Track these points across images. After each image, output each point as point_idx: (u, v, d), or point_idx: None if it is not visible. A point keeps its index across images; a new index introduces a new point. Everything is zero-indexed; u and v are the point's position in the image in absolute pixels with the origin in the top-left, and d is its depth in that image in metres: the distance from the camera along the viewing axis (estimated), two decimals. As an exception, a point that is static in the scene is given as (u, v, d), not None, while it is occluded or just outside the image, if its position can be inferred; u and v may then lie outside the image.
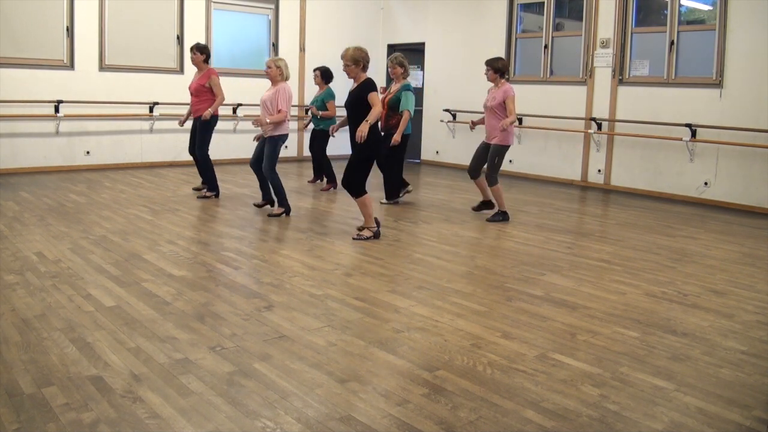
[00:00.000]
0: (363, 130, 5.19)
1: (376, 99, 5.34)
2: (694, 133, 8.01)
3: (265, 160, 6.32)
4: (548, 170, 9.83)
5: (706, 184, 8.08)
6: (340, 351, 3.19)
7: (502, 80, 6.49)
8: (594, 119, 9.06)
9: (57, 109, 8.90)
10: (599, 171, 9.23)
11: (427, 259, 5.03)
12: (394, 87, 7.21)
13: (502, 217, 6.52)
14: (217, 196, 7.37)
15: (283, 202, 6.45)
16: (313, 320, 3.61)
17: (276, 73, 6.33)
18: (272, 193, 6.55)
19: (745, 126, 7.57)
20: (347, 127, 5.65)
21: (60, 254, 4.83)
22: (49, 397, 2.62)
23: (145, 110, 9.68)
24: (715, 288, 4.47)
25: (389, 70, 7.26)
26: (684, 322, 3.76)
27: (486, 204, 6.83)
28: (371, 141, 5.33)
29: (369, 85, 5.38)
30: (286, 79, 6.42)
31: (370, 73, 7.18)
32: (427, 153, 11.79)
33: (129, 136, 9.71)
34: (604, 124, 9.07)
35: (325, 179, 8.35)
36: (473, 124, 7.15)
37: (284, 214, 6.43)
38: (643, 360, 3.18)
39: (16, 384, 2.72)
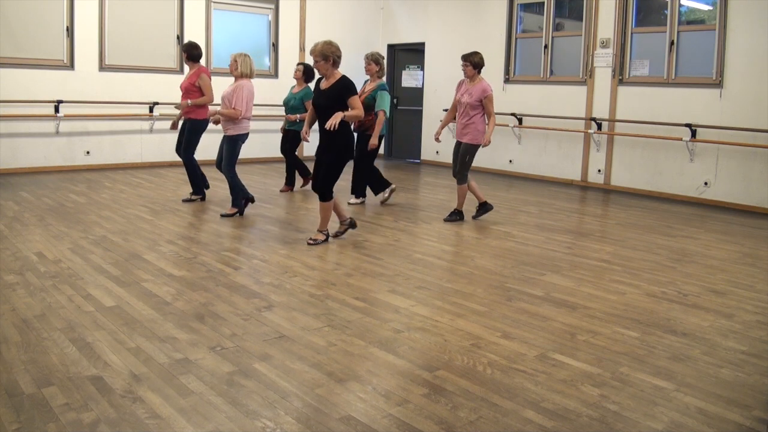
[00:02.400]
0: (337, 117, 4.84)
1: (358, 103, 4.99)
2: (694, 133, 8.01)
3: (225, 159, 6.26)
4: (548, 170, 9.83)
5: (706, 184, 8.08)
6: (340, 351, 3.19)
7: (479, 76, 6.17)
8: (594, 119, 9.06)
9: (57, 109, 8.90)
10: (599, 171, 9.23)
11: (427, 259, 5.03)
12: (369, 86, 6.91)
13: (458, 216, 6.41)
14: (203, 199, 7.15)
15: (237, 203, 6.36)
16: (313, 320, 3.61)
17: (233, 68, 6.12)
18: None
19: (745, 126, 7.57)
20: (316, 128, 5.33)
21: (60, 254, 4.83)
22: (49, 397, 2.62)
23: (145, 110, 9.68)
24: (715, 288, 4.47)
25: (365, 66, 6.94)
26: (684, 322, 3.76)
27: (483, 206, 6.54)
28: (345, 144, 5.08)
29: (348, 87, 5.00)
30: (245, 75, 6.16)
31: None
32: (427, 153, 11.79)
33: (129, 136, 9.71)
34: (604, 124, 9.07)
35: (300, 183, 8.19)
36: (438, 137, 6.67)
37: (238, 214, 6.37)
38: (643, 360, 3.18)
39: (16, 384, 2.72)
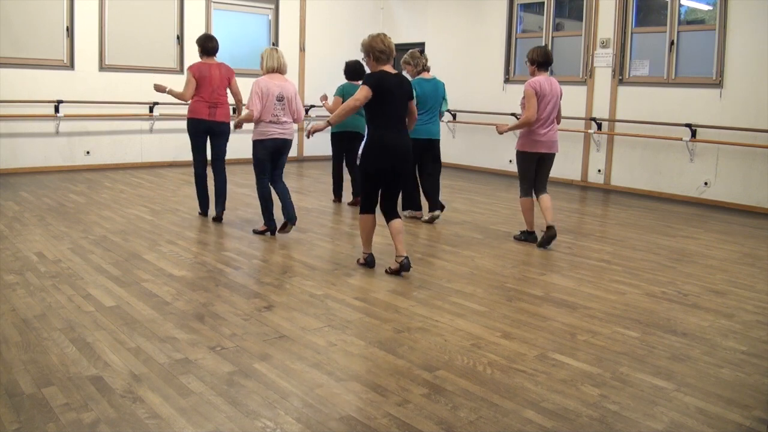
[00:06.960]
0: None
1: (336, 102, 4.58)
2: (694, 133, 8.01)
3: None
4: (548, 170, 9.81)
5: (706, 184, 8.08)
6: (340, 351, 3.19)
7: (539, 72, 5.42)
8: (594, 119, 9.06)
9: (57, 109, 8.89)
10: (599, 171, 9.23)
11: (427, 259, 5.02)
12: None
13: (524, 237, 5.70)
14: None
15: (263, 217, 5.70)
16: (313, 320, 3.61)
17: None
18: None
19: (745, 126, 7.57)
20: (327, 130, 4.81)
21: (60, 254, 4.82)
22: (49, 397, 2.62)
23: (145, 110, 9.68)
24: (715, 288, 4.47)
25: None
26: (684, 322, 3.76)
27: (549, 229, 5.45)
28: (359, 151, 4.59)
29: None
30: (265, 71, 5.46)
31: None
32: (427, 153, 11.77)
33: (129, 136, 9.71)
34: (604, 124, 9.07)
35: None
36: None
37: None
38: (643, 360, 3.18)
39: (16, 384, 2.72)
